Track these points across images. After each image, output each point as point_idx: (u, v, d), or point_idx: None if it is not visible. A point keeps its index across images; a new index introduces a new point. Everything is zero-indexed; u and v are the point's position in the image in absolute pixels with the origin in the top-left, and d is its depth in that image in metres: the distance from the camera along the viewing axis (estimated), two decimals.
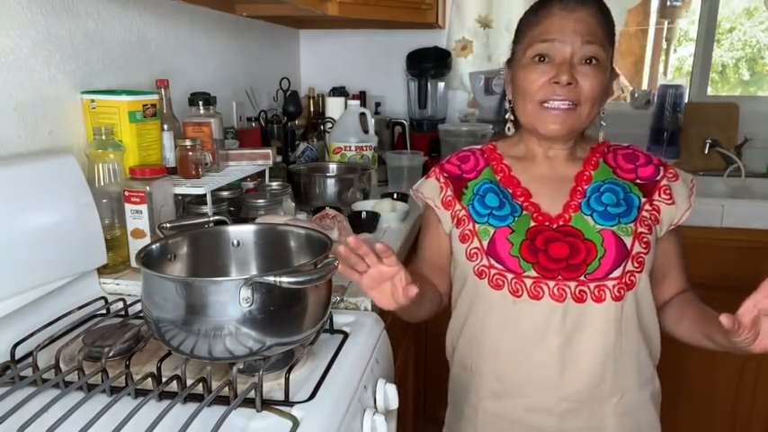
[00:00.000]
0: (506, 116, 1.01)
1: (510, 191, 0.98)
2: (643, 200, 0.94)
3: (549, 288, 0.90)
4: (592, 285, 0.89)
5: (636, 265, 0.91)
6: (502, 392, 0.97)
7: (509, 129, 1.02)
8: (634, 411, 0.96)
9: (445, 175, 1.03)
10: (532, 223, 0.94)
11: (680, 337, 0.96)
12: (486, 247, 0.94)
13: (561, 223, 0.93)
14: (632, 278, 0.90)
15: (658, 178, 0.96)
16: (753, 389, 1.80)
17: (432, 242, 1.05)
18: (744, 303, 0.73)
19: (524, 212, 0.95)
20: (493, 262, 0.93)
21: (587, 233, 0.91)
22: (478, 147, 1.06)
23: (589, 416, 0.93)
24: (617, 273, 0.89)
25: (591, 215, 0.92)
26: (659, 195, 0.95)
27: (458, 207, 1.00)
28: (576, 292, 0.90)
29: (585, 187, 0.95)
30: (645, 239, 0.92)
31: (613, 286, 0.89)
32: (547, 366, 0.92)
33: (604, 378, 0.92)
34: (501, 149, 1.03)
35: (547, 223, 0.93)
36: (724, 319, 0.72)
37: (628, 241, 0.90)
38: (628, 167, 0.98)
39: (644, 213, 0.93)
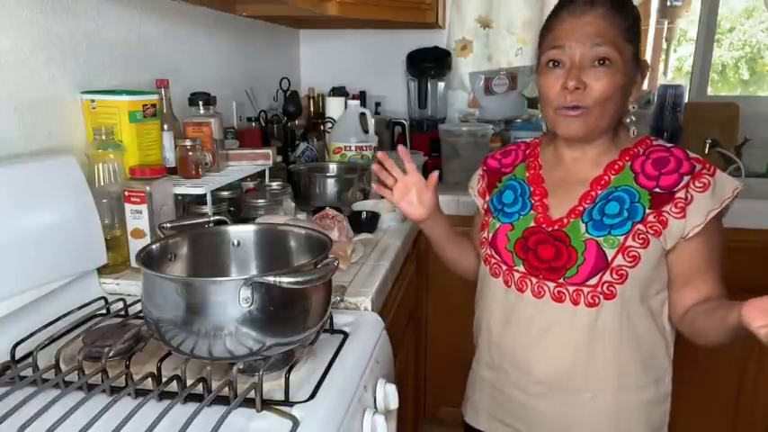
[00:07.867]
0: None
1: (532, 188, 1.04)
2: (648, 211, 0.92)
3: (531, 284, 0.98)
4: (571, 288, 0.94)
5: (616, 277, 0.91)
6: (492, 365, 1.07)
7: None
8: (612, 414, 0.98)
9: (485, 168, 1.15)
10: (532, 223, 1.00)
11: (700, 340, 0.92)
12: (489, 238, 1.04)
13: (556, 227, 0.97)
14: (611, 289, 0.92)
15: (676, 189, 0.91)
16: (754, 385, 1.80)
17: (478, 221, 1.16)
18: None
19: (531, 212, 1.01)
20: (493, 252, 1.04)
21: (574, 240, 0.94)
22: (529, 139, 1.14)
23: (561, 404, 0.99)
24: (593, 281, 0.92)
25: (587, 223, 0.95)
26: (671, 208, 0.91)
27: (488, 198, 1.11)
28: (555, 293, 0.96)
29: (599, 192, 0.96)
30: (632, 253, 0.91)
31: (588, 293, 0.93)
32: (525, 351, 1.00)
33: (574, 374, 0.97)
34: (542, 146, 1.09)
35: (544, 225, 0.98)
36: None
37: (610, 253, 0.91)
38: (652, 174, 0.94)
39: (640, 227, 0.91)
